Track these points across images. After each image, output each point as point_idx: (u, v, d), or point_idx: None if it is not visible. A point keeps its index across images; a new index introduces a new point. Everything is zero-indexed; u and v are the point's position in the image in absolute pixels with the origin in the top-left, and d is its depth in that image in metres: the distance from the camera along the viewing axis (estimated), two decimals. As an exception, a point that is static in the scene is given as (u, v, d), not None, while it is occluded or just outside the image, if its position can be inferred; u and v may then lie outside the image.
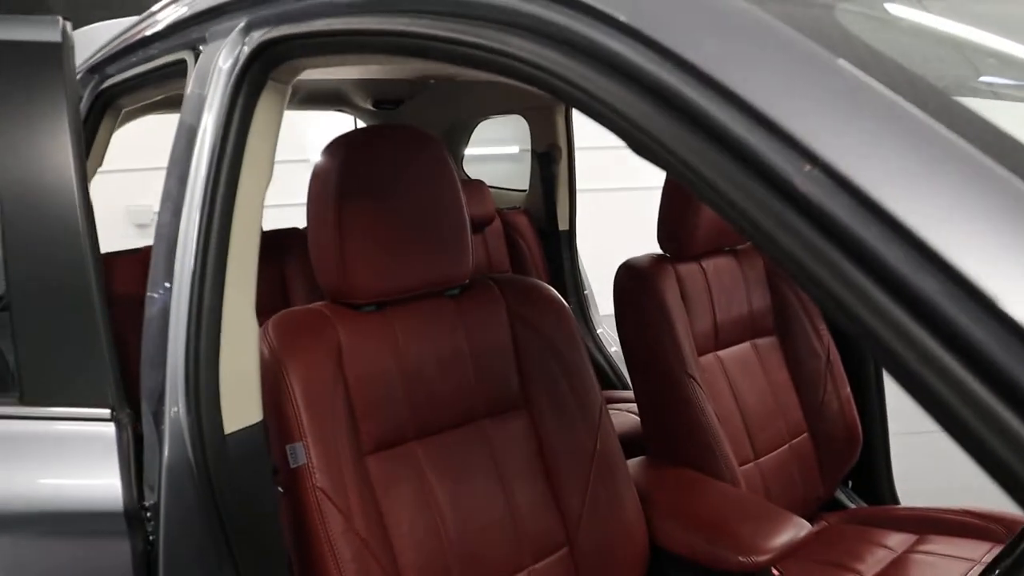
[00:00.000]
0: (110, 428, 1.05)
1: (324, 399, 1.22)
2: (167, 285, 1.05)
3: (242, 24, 1.08)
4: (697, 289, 1.84)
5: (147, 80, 1.43)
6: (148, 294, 1.09)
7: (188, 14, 1.24)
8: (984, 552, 1.71)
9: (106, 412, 1.05)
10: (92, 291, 1.08)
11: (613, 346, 2.99)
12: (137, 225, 5.28)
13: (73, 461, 1.03)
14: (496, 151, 4.03)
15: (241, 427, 1.03)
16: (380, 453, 1.30)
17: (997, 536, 1.77)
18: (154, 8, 1.47)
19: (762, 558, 1.39)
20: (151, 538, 1.03)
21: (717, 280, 1.89)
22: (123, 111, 1.71)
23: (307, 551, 1.16)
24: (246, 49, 1.06)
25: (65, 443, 1.04)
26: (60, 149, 1.13)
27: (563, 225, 2.80)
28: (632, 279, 1.78)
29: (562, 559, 1.42)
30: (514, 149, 6.01)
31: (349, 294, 1.31)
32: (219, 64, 1.09)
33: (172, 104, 1.45)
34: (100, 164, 1.72)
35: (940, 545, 1.79)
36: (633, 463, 1.70)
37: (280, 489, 1.21)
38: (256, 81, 1.07)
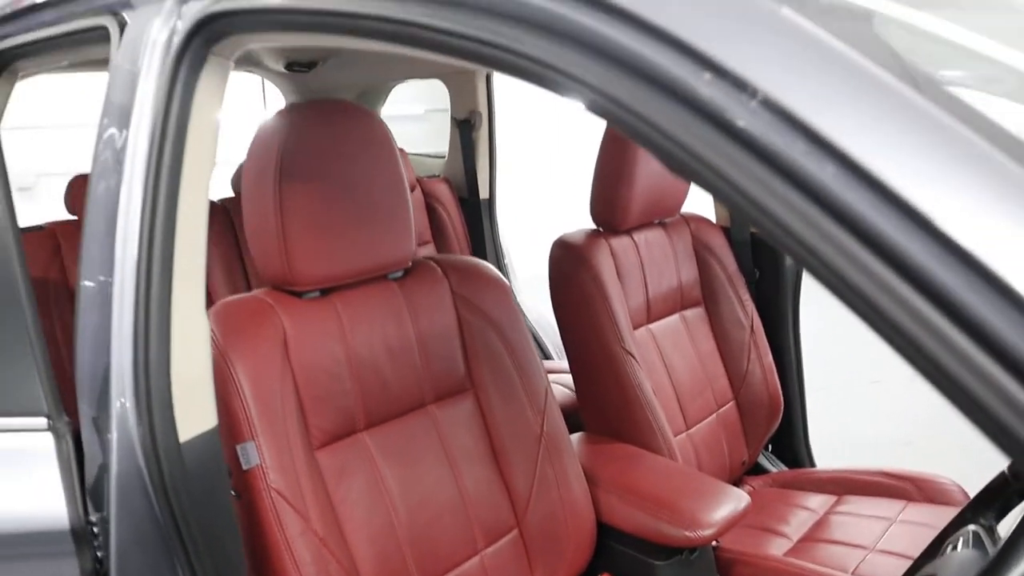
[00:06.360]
0: (48, 439, 0.97)
1: (273, 394, 1.16)
2: (103, 278, 0.97)
3: None
4: (631, 263, 1.85)
5: (55, 45, 1.30)
6: (82, 282, 1.00)
7: None
8: (899, 511, 1.81)
9: (42, 421, 0.97)
10: (19, 286, 0.99)
11: (532, 313, 3.00)
12: (19, 188, 4.93)
13: (9, 477, 0.94)
14: (399, 112, 3.93)
15: (196, 434, 0.96)
16: (330, 446, 1.25)
17: (909, 495, 1.88)
18: None
19: (706, 532, 1.43)
20: (99, 555, 0.96)
21: (648, 253, 1.90)
22: (19, 75, 1.57)
23: (264, 555, 1.12)
24: (184, 21, 0.97)
25: (-1, 458, 0.95)
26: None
27: (483, 193, 2.77)
28: (568, 255, 1.77)
29: (513, 541, 1.42)
30: (419, 110, 5.88)
31: (292, 281, 1.25)
32: (152, 36, 1.00)
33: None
34: (-6, 133, 1.57)
35: (858, 505, 1.88)
36: (573, 439, 1.71)
37: (233, 492, 1.15)
38: (197, 56, 0.98)
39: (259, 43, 1.00)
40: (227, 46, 0.99)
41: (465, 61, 0.69)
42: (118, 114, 1.01)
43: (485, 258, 2.77)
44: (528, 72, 0.63)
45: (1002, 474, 1.02)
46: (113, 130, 1.01)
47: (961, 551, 0.91)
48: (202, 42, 0.97)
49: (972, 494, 1.79)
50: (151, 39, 1.00)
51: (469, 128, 2.69)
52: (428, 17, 0.68)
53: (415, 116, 5.31)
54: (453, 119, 2.74)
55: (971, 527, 0.96)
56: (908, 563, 1.53)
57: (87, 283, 0.99)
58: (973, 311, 0.46)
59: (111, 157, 1.00)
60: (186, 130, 0.98)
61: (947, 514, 1.73)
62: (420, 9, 0.69)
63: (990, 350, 0.46)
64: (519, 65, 0.62)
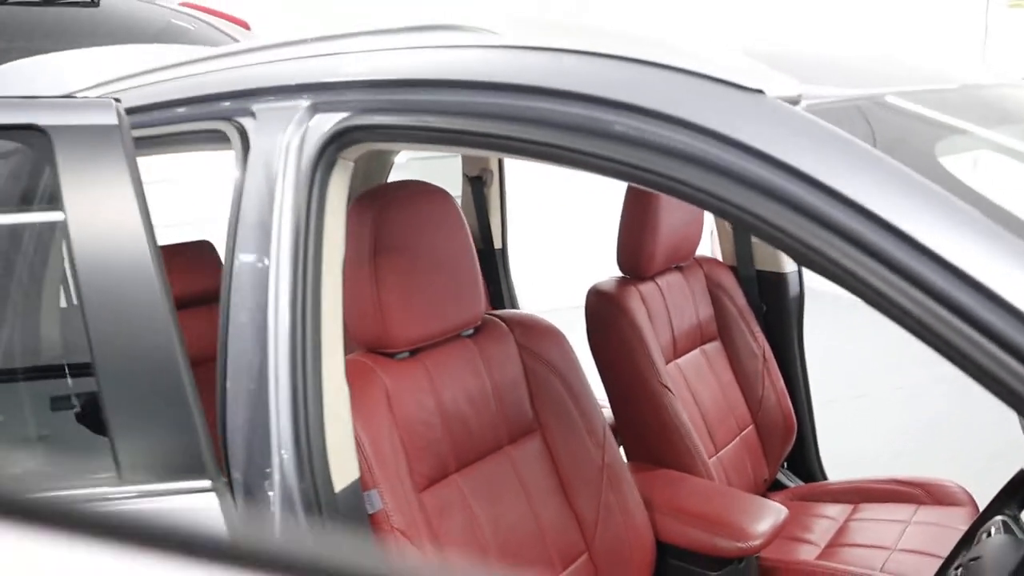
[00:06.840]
0: (212, 499, 1.11)
1: (385, 445, 1.33)
2: (256, 359, 1.13)
3: (306, 104, 1.16)
4: (658, 306, 2.04)
5: (161, 142, 1.44)
6: (230, 384, 1.16)
7: (229, 89, 1.29)
8: (912, 513, 2.01)
9: (207, 483, 1.12)
10: (178, 358, 1.14)
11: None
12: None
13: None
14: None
15: (346, 485, 1.13)
16: (430, 489, 1.41)
17: (919, 499, 2.08)
18: (150, 67, 1.49)
19: (756, 543, 1.61)
20: None
21: (671, 296, 2.10)
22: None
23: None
24: (318, 131, 1.14)
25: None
26: (131, 225, 1.17)
27: (497, 244, 2.95)
28: (604, 302, 1.96)
29: (584, 564, 1.59)
30: (401, 158, 6.06)
31: (387, 344, 1.42)
32: (285, 143, 1.16)
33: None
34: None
35: (874, 511, 2.07)
36: (624, 469, 1.89)
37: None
38: (329, 160, 1.15)
39: (386, 148, 1.17)
40: (355, 150, 1.17)
41: (603, 176, 0.88)
42: (257, 209, 1.17)
43: (502, 303, 2.95)
44: (662, 186, 0.82)
45: (1021, 472, 1.22)
46: (254, 222, 1.18)
47: (995, 536, 1.10)
48: (335, 148, 1.14)
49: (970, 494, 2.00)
50: (283, 145, 1.17)
51: (481, 184, 2.88)
52: (583, 144, 0.86)
53: (397, 164, 5.51)
54: (465, 176, 2.92)
55: (999, 517, 1.16)
56: (929, 559, 1.74)
57: (234, 383, 1.15)
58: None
59: (255, 250, 1.16)
60: (323, 221, 1.15)
61: (956, 514, 1.94)
62: (569, 137, 0.87)
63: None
64: (663, 184, 0.81)
